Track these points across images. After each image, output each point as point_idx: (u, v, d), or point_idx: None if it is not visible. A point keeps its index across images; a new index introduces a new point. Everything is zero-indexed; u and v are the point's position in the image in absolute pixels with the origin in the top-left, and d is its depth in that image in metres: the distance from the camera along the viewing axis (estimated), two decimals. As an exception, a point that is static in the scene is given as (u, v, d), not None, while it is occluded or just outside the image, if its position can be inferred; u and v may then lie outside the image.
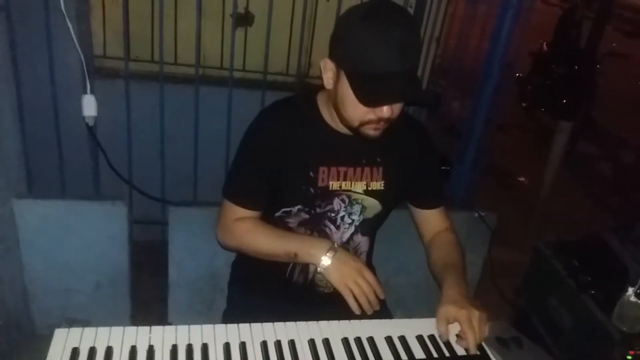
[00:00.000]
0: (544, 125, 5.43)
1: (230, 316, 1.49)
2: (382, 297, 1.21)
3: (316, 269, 1.28)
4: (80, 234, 1.88)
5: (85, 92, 1.93)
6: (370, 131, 1.23)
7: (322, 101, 1.33)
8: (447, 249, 1.44)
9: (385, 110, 1.18)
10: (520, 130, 5.55)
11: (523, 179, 4.44)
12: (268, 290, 1.41)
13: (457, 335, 1.20)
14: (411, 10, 2.51)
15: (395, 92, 1.15)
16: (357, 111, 1.20)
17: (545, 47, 5.82)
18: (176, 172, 2.19)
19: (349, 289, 1.20)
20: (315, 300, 1.41)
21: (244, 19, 2.59)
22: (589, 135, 5.32)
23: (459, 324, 1.18)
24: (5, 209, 1.77)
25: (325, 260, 1.23)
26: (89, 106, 1.94)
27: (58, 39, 1.84)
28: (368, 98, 1.16)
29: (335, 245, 1.26)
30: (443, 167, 2.34)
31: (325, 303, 1.37)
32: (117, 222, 1.89)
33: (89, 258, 1.92)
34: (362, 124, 1.22)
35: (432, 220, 1.50)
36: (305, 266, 1.39)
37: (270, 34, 2.03)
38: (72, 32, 1.79)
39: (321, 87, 1.31)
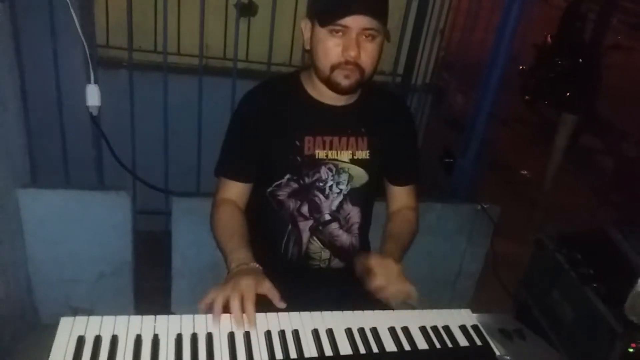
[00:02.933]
0: (547, 119, 5.41)
1: None
2: (250, 323, 1.11)
3: (309, 238, 1.41)
4: (84, 224, 1.89)
5: (89, 82, 1.92)
6: (341, 78, 1.28)
7: (305, 77, 1.41)
8: (401, 224, 1.51)
9: (351, 49, 1.23)
10: (523, 123, 5.53)
11: (525, 172, 4.44)
12: (263, 269, 1.36)
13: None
14: (415, 2, 2.50)
15: (352, 5, 1.21)
16: (328, 53, 1.27)
17: (549, 39, 5.79)
18: (179, 162, 2.19)
19: (219, 293, 1.13)
20: (310, 277, 1.46)
21: (247, 9, 2.59)
22: (592, 129, 5.31)
23: (372, 268, 1.26)
24: (9, 198, 1.78)
25: (232, 270, 1.24)
26: (93, 96, 1.93)
27: (62, 28, 1.84)
28: (328, 15, 1.24)
29: (251, 264, 1.24)
30: (446, 160, 2.34)
31: (319, 281, 1.45)
32: (120, 212, 1.90)
33: (92, 248, 1.93)
34: (334, 68, 1.28)
35: (400, 196, 1.56)
36: (299, 237, 1.43)
37: (274, 24, 2.03)
38: (76, 22, 1.79)
39: (304, 68, 1.42)
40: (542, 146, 4.22)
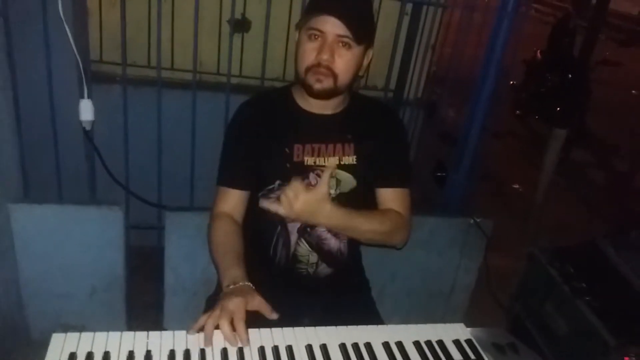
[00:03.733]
0: (538, 133, 5.46)
1: (213, 301, 1.50)
2: (243, 340, 1.12)
3: (297, 239, 1.45)
4: (77, 238, 1.88)
5: (83, 97, 1.92)
6: (313, 81, 1.33)
7: (296, 89, 1.47)
8: (378, 213, 1.51)
9: (324, 52, 1.29)
10: (514, 137, 5.58)
11: (517, 186, 4.47)
12: (252, 275, 1.36)
13: None
14: (407, 18, 2.53)
15: (326, 7, 1.28)
16: (304, 55, 1.33)
17: (539, 55, 5.87)
18: (173, 177, 2.18)
19: (209, 319, 1.13)
20: (298, 284, 1.49)
21: (240, 25, 2.60)
22: (583, 143, 5.36)
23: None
24: (1, 213, 1.76)
25: (224, 290, 1.24)
26: (86, 111, 1.93)
27: (56, 43, 1.84)
28: (306, 16, 1.32)
29: (241, 283, 1.24)
30: (439, 174, 2.35)
31: (308, 288, 1.49)
32: (113, 227, 1.89)
33: (84, 263, 1.91)
34: (308, 69, 1.33)
35: (386, 199, 1.54)
36: (287, 239, 1.46)
37: (268, 39, 2.04)
38: (70, 37, 1.79)
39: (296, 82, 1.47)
40: (533, 160, 4.26)
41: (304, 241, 1.47)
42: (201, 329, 1.12)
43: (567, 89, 5.22)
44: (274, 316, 1.19)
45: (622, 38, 12.02)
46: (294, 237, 1.46)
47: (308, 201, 1.31)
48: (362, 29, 1.32)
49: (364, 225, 1.44)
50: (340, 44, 1.31)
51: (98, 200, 2.16)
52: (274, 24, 2.11)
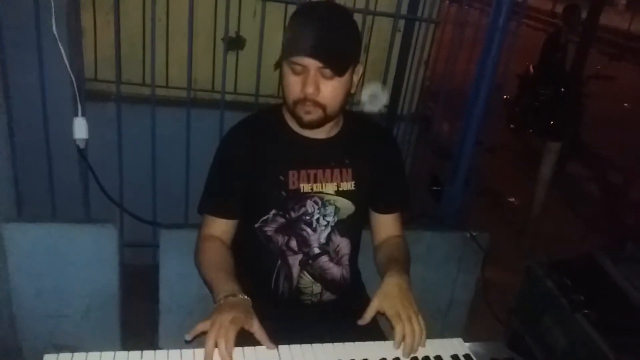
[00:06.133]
0: (532, 147, 5.49)
1: None
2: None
3: (300, 272, 1.40)
4: (70, 257, 1.86)
5: (77, 115, 1.93)
6: (302, 114, 1.30)
7: (287, 111, 1.39)
8: (393, 248, 1.49)
9: (308, 86, 1.24)
10: (509, 151, 5.61)
11: (513, 199, 4.47)
12: (255, 306, 1.34)
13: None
14: (399, 35, 2.55)
15: (304, 49, 1.22)
16: (289, 89, 1.29)
17: (531, 69, 5.93)
18: (167, 194, 2.18)
19: (211, 326, 1.12)
20: (302, 313, 1.44)
21: (235, 43, 2.62)
22: (578, 156, 5.39)
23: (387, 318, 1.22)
24: (-7, 232, 1.75)
25: (220, 301, 1.21)
26: (80, 129, 1.93)
27: (50, 61, 1.85)
28: (286, 52, 1.26)
29: (239, 296, 1.22)
30: (434, 188, 2.35)
31: (312, 316, 1.43)
32: (107, 245, 1.87)
33: (78, 282, 1.89)
34: (295, 103, 1.29)
35: (386, 224, 1.54)
36: (289, 272, 1.42)
37: (262, 57, 2.05)
38: (64, 55, 1.80)
39: None
40: (528, 174, 4.27)
41: (306, 273, 1.42)
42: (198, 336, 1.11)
43: (561, 102, 5.27)
44: (271, 347, 1.16)
45: (613, 52, 12.19)
46: (295, 270, 1.42)
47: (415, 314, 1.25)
48: (344, 61, 1.27)
49: (409, 266, 1.44)
50: (324, 75, 1.26)
51: (92, 219, 2.15)
52: (268, 42, 2.13)
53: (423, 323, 1.23)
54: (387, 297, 1.25)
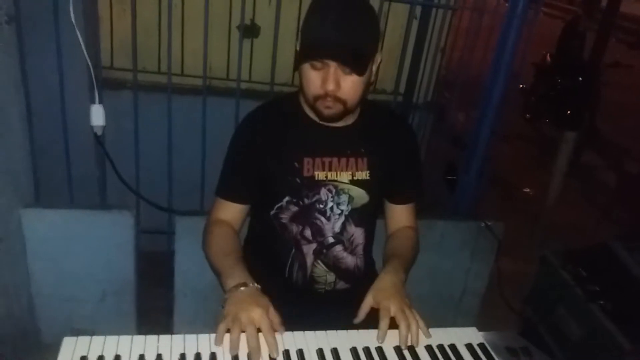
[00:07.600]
0: (548, 136, 5.44)
1: None
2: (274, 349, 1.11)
3: (314, 261, 1.40)
4: (87, 243, 1.88)
5: (94, 102, 1.94)
6: (323, 108, 1.29)
7: (303, 99, 1.38)
8: (401, 241, 1.50)
9: (329, 83, 1.23)
10: (524, 141, 5.55)
11: (528, 189, 4.44)
12: (268, 293, 1.35)
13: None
14: (416, 22, 2.53)
15: (324, 51, 1.21)
16: (309, 85, 1.27)
17: (548, 58, 5.85)
18: (183, 181, 2.19)
19: (229, 321, 1.13)
20: (315, 300, 1.45)
21: (250, 31, 2.62)
22: (594, 146, 5.32)
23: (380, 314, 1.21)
24: (12, 218, 1.78)
25: (232, 291, 1.21)
26: (97, 116, 1.95)
27: (67, 49, 1.86)
28: (304, 52, 1.24)
29: (251, 285, 1.22)
30: (449, 177, 2.34)
31: (325, 303, 1.44)
32: (124, 232, 1.90)
33: (95, 267, 1.92)
34: (316, 99, 1.28)
35: (400, 215, 1.55)
36: (303, 261, 1.42)
37: (277, 45, 2.05)
38: (82, 43, 1.81)
39: None
40: (544, 163, 4.23)
41: (320, 262, 1.43)
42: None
43: (577, 92, 5.19)
44: (282, 329, 1.17)
45: (632, 40, 11.95)
46: (309, 259, 1.42)
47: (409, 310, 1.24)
48: (365, 60, 1.25)
49: (410, 263, 1.45)
50: (344, 71, 1.24)
51: (109, 205, 2.17)
52: (283, 29, 2.12)
53: (417, 315, 1.23)
54: (380, 292, 1.26)
